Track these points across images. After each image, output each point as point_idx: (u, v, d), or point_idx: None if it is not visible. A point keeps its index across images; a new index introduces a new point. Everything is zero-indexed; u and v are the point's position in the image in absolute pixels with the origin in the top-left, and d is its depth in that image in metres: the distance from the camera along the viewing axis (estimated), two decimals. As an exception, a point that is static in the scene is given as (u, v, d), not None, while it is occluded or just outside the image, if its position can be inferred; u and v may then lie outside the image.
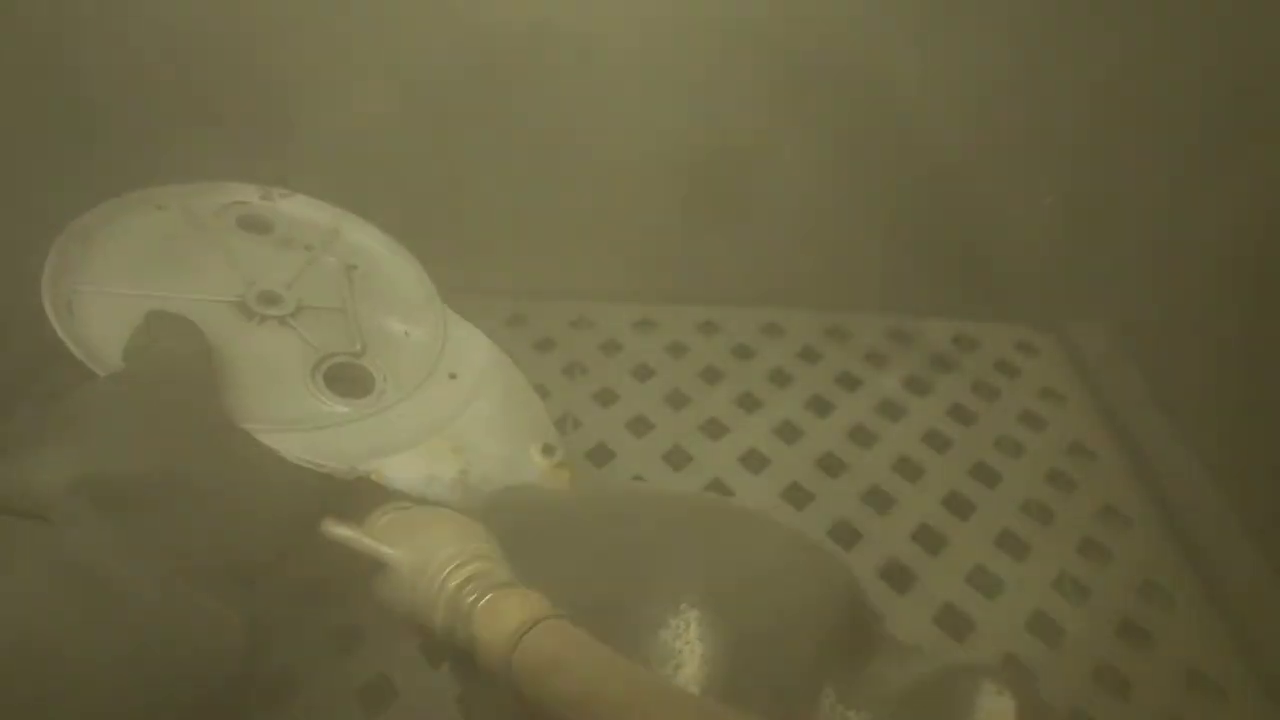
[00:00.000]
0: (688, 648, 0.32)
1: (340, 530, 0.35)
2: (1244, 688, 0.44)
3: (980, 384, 0.62)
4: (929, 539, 0.50)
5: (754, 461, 0.55)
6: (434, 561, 0.32)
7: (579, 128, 0.59)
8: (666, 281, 0.67)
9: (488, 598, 0.30)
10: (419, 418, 0.43)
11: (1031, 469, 0.55)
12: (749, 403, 0.59)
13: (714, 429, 0.57)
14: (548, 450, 0.45)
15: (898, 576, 0.48)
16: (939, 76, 0.55)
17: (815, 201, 0.62)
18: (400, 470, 0.40)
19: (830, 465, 0.55)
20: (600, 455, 0.54)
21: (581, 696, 0.26)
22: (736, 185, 0.61)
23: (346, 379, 0.44)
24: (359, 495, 0.39)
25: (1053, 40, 0.54)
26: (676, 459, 0.54)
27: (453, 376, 0.47)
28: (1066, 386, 0.62)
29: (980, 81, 0.55)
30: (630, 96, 0.57)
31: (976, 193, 0.61)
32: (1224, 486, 0.52)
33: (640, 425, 0.56)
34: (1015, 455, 0.56)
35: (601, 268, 0.66)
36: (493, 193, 0.62)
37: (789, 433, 0.57)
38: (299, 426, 0.39)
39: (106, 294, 0.42)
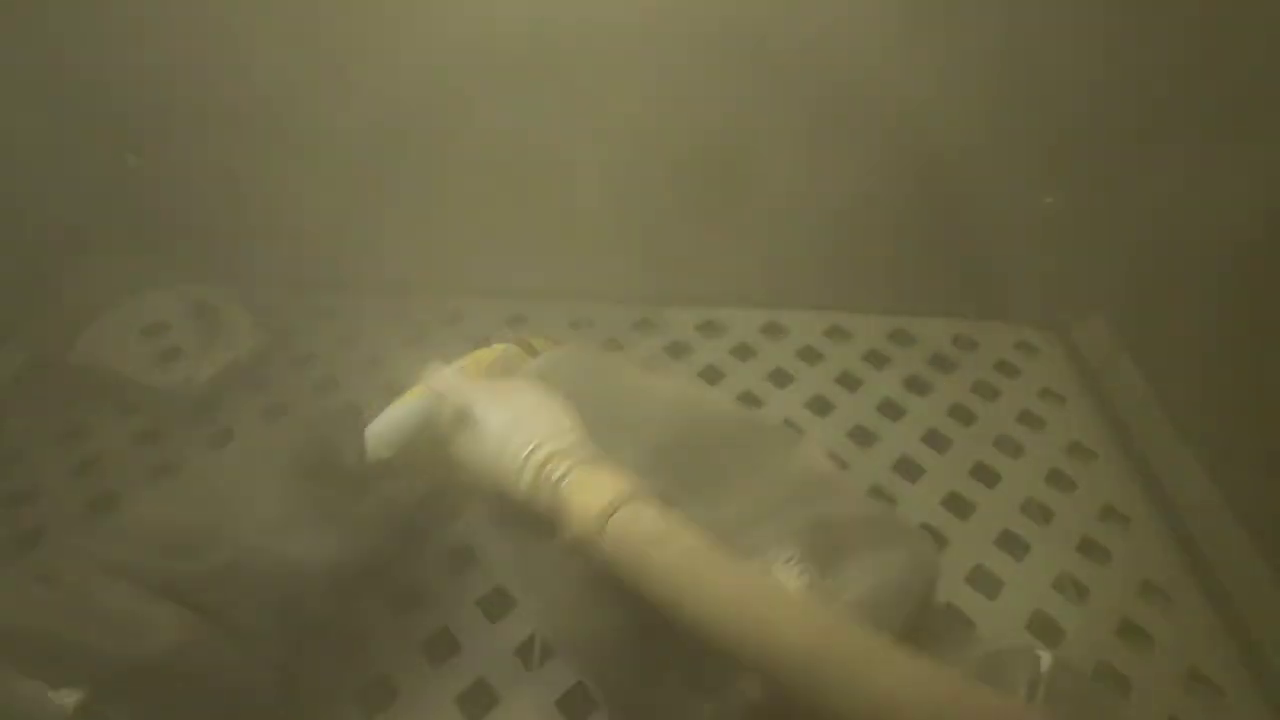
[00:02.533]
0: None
1: (446, 372, 0.36)
2: (1244, 688, 0.44)
3: (980, 384, 0.62)
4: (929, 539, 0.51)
5: (754, 461, 0.55)
6: (525, 429, 0.32)
7: (579, 127, 0.59)
8: (666, 281, 0.67)
9: (577, 471, 0.30)
10: None
11: (1031, 469, 0.55)
12: (749, 402, 0.59)
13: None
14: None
15: (898, 576, 0.48)
16: (939, 76, 0.55)
17: (815, 201, 0.62)
18: None
19: (830, 465, 0.55)
20: (600, 455, 0.54)
21: (671, 576, 0.26)
22: (737, 185, 0.61)
23: None
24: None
25: (1053, 40, 0.54)
26: (676, 459, 0.54)
27: None
28: (1066, 386, 0.62)
29: (980, 81, 0.55)
30: (630, 96, 0.57)
31: (976, 192, 0.61)
32: (1224, 486, 0.52)
33: (640, 425, 0.56)
34: (1015, 455, 0.56)
35: (601, 268, 0.66)
36: (493, 193, 0.62)
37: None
38: None
39: None
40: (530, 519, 0.32)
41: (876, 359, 0.64)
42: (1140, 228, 0.60)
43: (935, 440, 0.57)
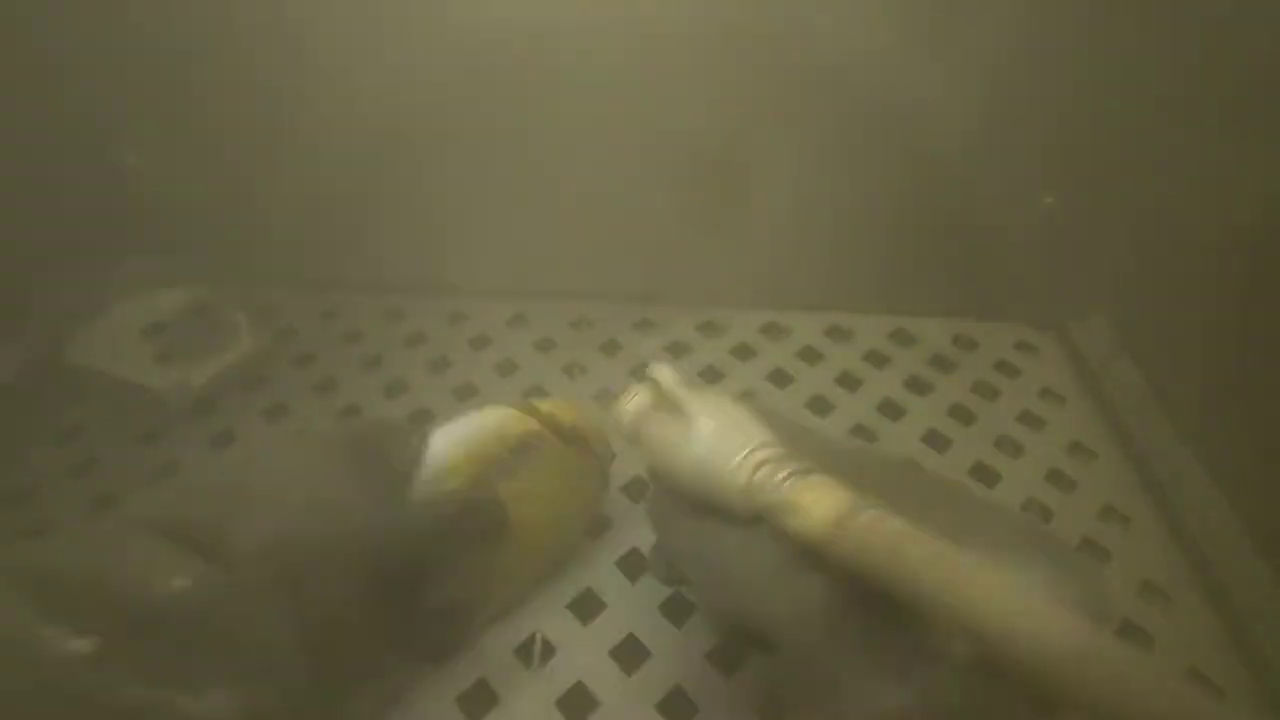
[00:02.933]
0: None
1: (667, 373, 0.38)
2: (1244, 688, 0.44)
3: (980, 384, 0.62)
4: (929, 539, 0.51)
5: (754, 461, 0.55)
6: (740, 433, 0.35)
7: (579, 128, 0.59)
8: (666, 281, 0.67)
9: (799, 477, 0.32)
10: None
11: (1031, 469, 0.55)
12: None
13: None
14: None
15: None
16: (939, 76, 0.55)
17: (815, 202, 0.62)
18: None
19: (830, 465, 0.55)
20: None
21: (926, 573, 0.27)
22: (737, 185, 0.61)
23: None
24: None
25: (1053, 39, 0.54)
26: (676, 459, 0.54)
27: None
28: (1066, 386, 0.62)
29: (980, 81, 0.55)
30: (630, 96, 0.57)
31: (976, 192, 0.61)
32: (1224, 486, 0.52)
33: (640, 425, 0.56)
34: (1015, 455, 0.56)
35: (601, 268, 0.66)
36: (493, 193, 0.62)
37: (789, 433, 0.57)
38: None
39: None
40: (727, 512, 0.34)
41: (876, 359, 0.64)
42: (1140, 228, 0.60)
43: (935, 440, 0.57)
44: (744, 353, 0.64)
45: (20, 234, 0.58)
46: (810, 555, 0.31)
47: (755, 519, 0.34)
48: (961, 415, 0.59)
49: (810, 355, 0.64)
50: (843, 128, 0.58)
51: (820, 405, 0.59)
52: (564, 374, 0.61)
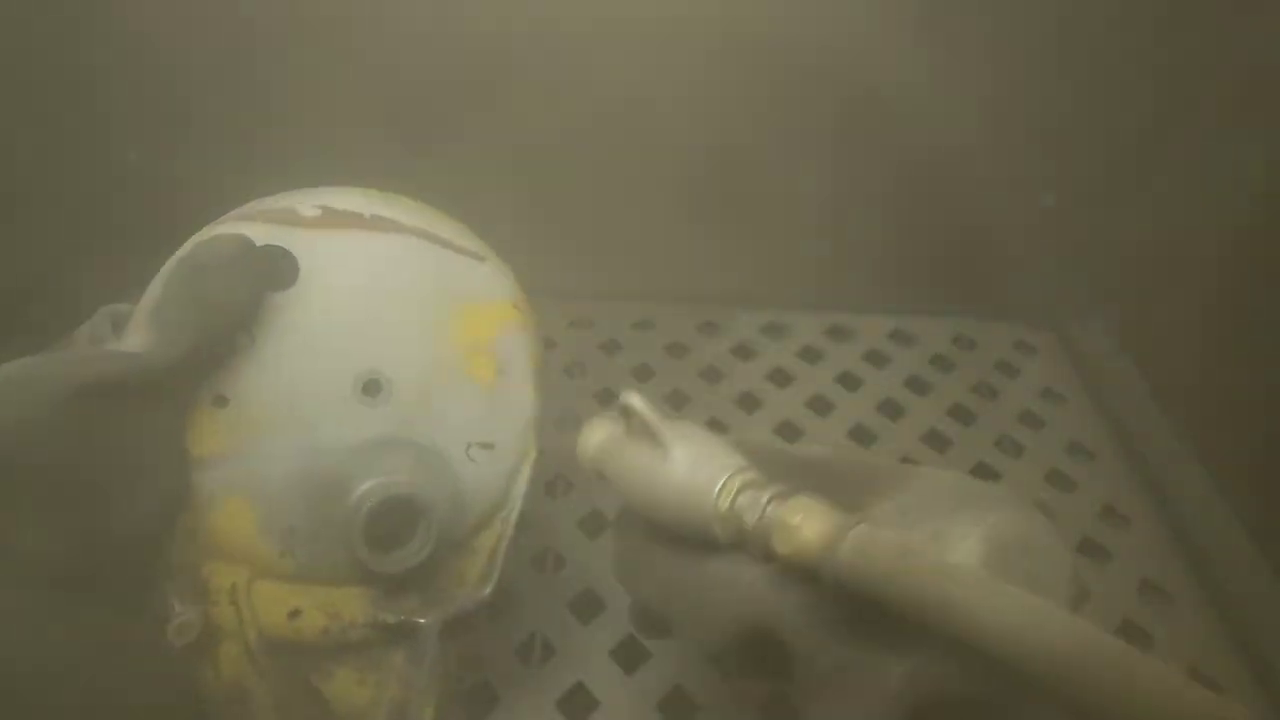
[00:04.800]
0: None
1: (639, 400, 0.35)
2: (1244, 688, 0.44)
3: (980, 384, 0.62)
4: (929, 539, 0.50)
5: (754, 461, 0.55)
6: (716, 459, 0.33)
7: (579, 127, 0.59)
8: (666, 281, 0.67)
9: (782, 499, 0.31)
10: None
11: (1031, 469, 0.55)
12: (749, 403, 0.59)
13: (714, 429, 0.56)
14: None
15: (898, 576, 0.48)
16: (938, 76, 0.55)
17: (815, 201, 0.62)
18: None
19: (830, 465, 0.55)
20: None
21: (926, 586, 0.27)
22: (737, 185, 0.61)
23: None
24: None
25: (1052, 39, 0.54)
26: (676, 459, 0.54)
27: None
28: (1066, 386, 0.62)
29: (980, 81, 0.55)
30: (630, 96, 0.57)
31: (976, 192, 0.61)
32: (1223, 486, 0.52)
33: (640, 425, 0.56)
34: (1015, 455, 0.56)
35: (601, 268, 0.66)
36: (491, 193, 0.62)
37: (789, 433, 0.57)
38: None
39: None
40: (707, 540, 0.33)
41: (876, 359, 0.64)
42: (1140, 228, 0.60)
43: (935, 440, 0.57)
44: (744, 353, 0.64)
45: (20, 233, 0.58)
46: (802, 576, 0.30)
47: (737, 545, 0.33)
48: (961, 415, 0.59)
49: (810, 355, 0.64)
50: (843, 127, 0.58)
51: (820, 405, 0.59)
52: (564, 374, 0.61)
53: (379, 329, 0.33)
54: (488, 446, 0.35)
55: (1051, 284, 0.65)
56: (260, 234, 0.33)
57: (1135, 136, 0.56)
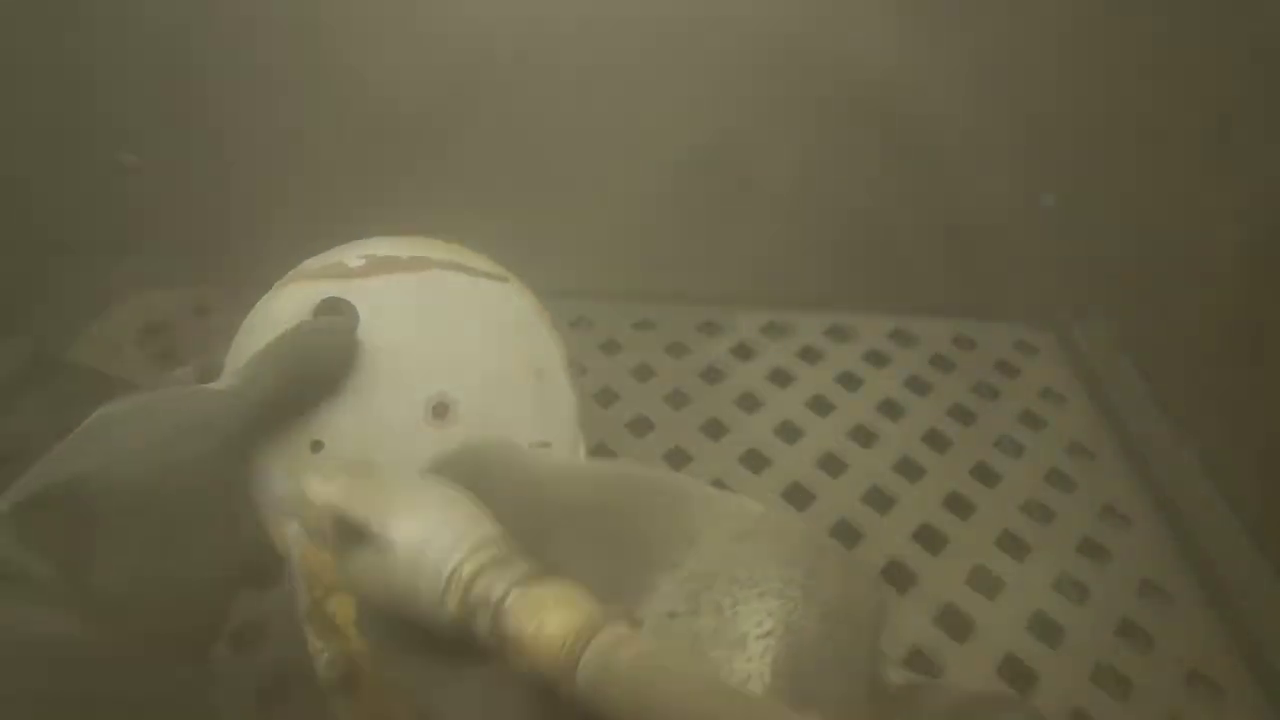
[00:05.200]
0: (756, 672, 0.27)
1: (327, 488, 0.29)
2: (1244, 688, 0.44)
3: (980, 384, 0.62)
4: (929, 539, 0.51)
5: (754, 461, 0.55)
6: (441, 539, 0.27)
7: (579, 126, 0.59)
8: (666, 281, 0.67)
9: (519, 590, 0.25)
10: None
11: (1031, 469, 0.55)
12: (749, 403, 0.59)
13: (714, 429, 0.57)
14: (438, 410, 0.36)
15: (898, 576, 0.48)
16: (938, 75, 0.55)
17: (815, 201, 0.62)
18: None
19: (830, 465, 0.55)
20: (601, 455, 0.54)
21: (673, 713, 0.22)
22: (737, 185, 0.61)
23: None
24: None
25: (1052, 39, 0.54)
26: (676, 459, 0.54)
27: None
28: (1066, 386, 0.62)
29: (980, 80, 0.55)
30: (630, 96, 0.57)
31: (977, 192, 0.61)
32: (1224, 486, 0.52)
33: (640, 425, 0.56)
34: (1015, 455, 0.56)
35: (601, 268, 0.66)
36: (492, 192, 0.62)
37: (789, 433, 0.57)
38: None
39: None
40: (455, 645, 0.27)
41: (876, 359, 0.64)
42: (1140, 227, 0.60)
43: (935, 440, 0.57)
44: (744, 353, 0.64)
45: (20, 233, 0.58)
46: (545, 696, 0.24)
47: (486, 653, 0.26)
48: (961, 415, 0.59)
49: (810, 355, 0.64)
50: (843, 127, 0.58)
51: (820, 405, 0.59)
52: (564, 374, 0.60)
53: (437, 355, 0.36)
54: (545, 444, 0.38)
55: (1051, 284, 0.65)
56: (321, 289, 0.36)
57: (1135, 136, 0.56)
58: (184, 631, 0.29)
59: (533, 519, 0.30)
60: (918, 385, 0.61)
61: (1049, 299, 0.66)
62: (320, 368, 0.33)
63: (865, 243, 0.64)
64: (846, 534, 0.50)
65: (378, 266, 0.37)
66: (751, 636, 0.27)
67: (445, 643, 0.27)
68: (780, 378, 0.61)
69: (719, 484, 0.53)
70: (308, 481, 0.29)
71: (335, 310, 0.35)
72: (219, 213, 0.63)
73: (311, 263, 0.38)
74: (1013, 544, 0.51)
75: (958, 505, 0.53)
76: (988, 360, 0.64)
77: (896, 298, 0.67)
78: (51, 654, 0.25)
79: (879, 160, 0.59)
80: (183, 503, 0.29)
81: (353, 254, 0.37)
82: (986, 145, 0.58)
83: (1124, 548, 0.51)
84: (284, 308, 0.35)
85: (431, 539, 0.27)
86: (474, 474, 0.32)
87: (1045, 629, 0.46)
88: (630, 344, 0.63)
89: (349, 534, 0.28)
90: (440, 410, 0.35)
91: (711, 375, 0.61)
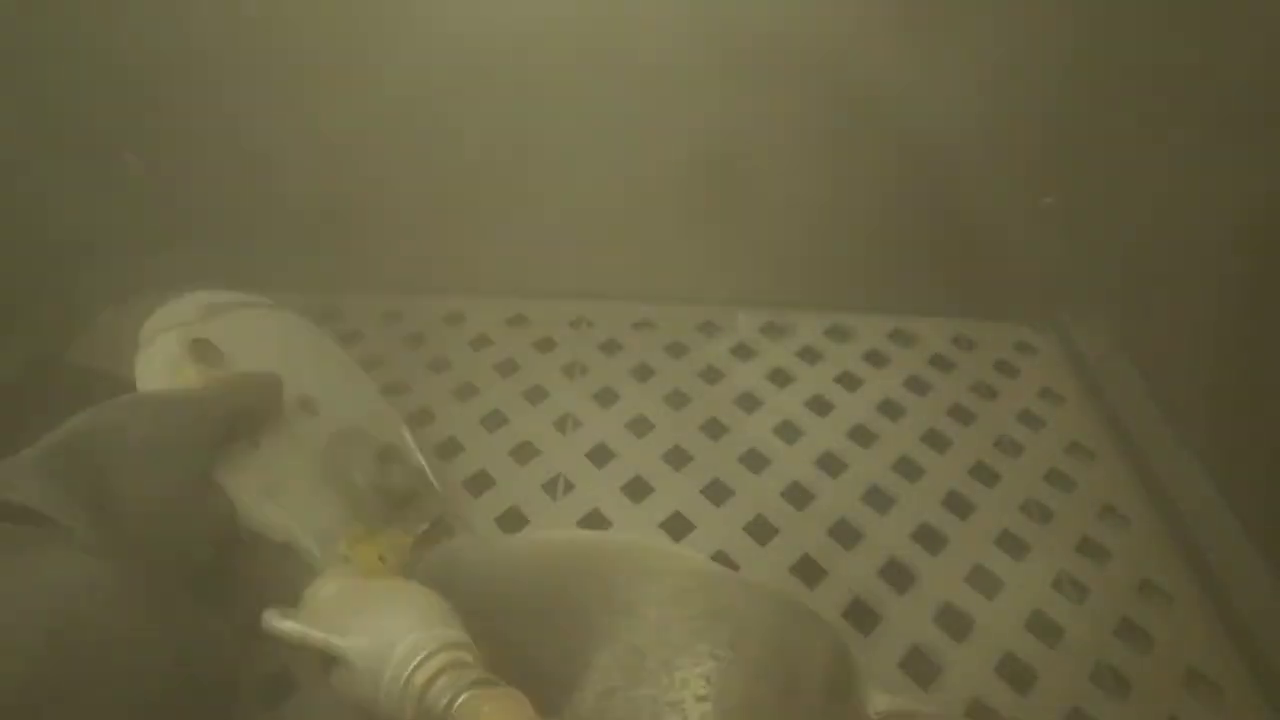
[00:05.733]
0: None
1: (285, 624, 0.32)
2: (1244, 688, 0.44)
3: (980, 384, 0.62)
4: (929, 539, 0.51)
5: (754, 461, 0.55)
6: (396, 651, 0.29)
7: (579, 127, 0.59)
8: (666, 281, 0.67)
9: (468, 696, 0.27)
10: None
11: (1031, 469, 0.55)
12: (749, 403, 0.59)
13: (714, 429, 0.57)
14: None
15: (898, 576, 0.48)
16: (938, 75, 0.55)
17: (815, 201, 0.62)
18: None
19: (830, 465, 0.55)
20: (600, 455, 0.54)
21: None
22: (737, 185, 0.61)
23: None
24: None
25: (1052, 38, 0.54)
26: (676, 459, 0.54)
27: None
28: (1066, 386, 0.62)
29: (980, 80, 0.55)
30: (630, 96, 0.57)
31: (976, 192, 0.61)
32: (1224, 486, 0.52)
33: (640, 425, 0.56)
34: (1015, 455, 0.56)
35: (601, 268, 0.66)
36: (493, 192, 0.62)
37: (789, 433, 0.57)
38: None
39: None
40: None
41: (876, 359, 0.64)
42: (1139, 227, 0.60)
43: (935, 440, 0.57)
44: (744, 353, 0.64)
45: (22, 233, 0.59)
46: None
47: None
48: (961, 415, 0.59)
49: (810, 355, 0.64)
50: (843, 127, 0.58)
51: (820, 405, 0.59)
52: (564, 374, 0.61)
53: (294, 364, 0.44)
54: (375, 401, 0.50)
55: (1051, 284, 0.65)
56: (187, 333, 0.42)
57: (1135, 136, 0.56)
58: (194, 575, 0.33)
59: (490, 600, 0.34)
60: (917, 385, 0.62)
61: (1049, 299, 0.66)
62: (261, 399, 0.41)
63: (865, 243, 0.64)
64: (846, 534, 0.50)
65: (225, 308, 0.46)
66: (689, 700, 0.29)
67: None
68: (780, 378, 0.61)
69: (718, 484, 0.53)
70: (271, 624, 0.32)
71: (206, 348, 0.42)
72: (218, 213, 0.63)
73: (162, 317, 0.44)
74: (1012, 544, 0.51)
75: (957, 505, 0.53)
76: (987, 360, 0.64)
77: (896, 298, 0.67)
78: (86, 596, 0.27)
79: (879, 160, 0.59)
80: (180, 461, 0.34)
81: (190, 306, 0.45)
82: (986, 145, 0.58)
83: (1123, 547, 0.51)
84: (166, 352, 0.42)
85: (385, 653, 0.29)
86: (449, 566, 0.37)
87: (1044, 628, 0.46)
88: (630, 344, 0.64)
89: (320, 661, 0.31)
90: (307, 404, 0.44)
91: (711, 375, 0.61)
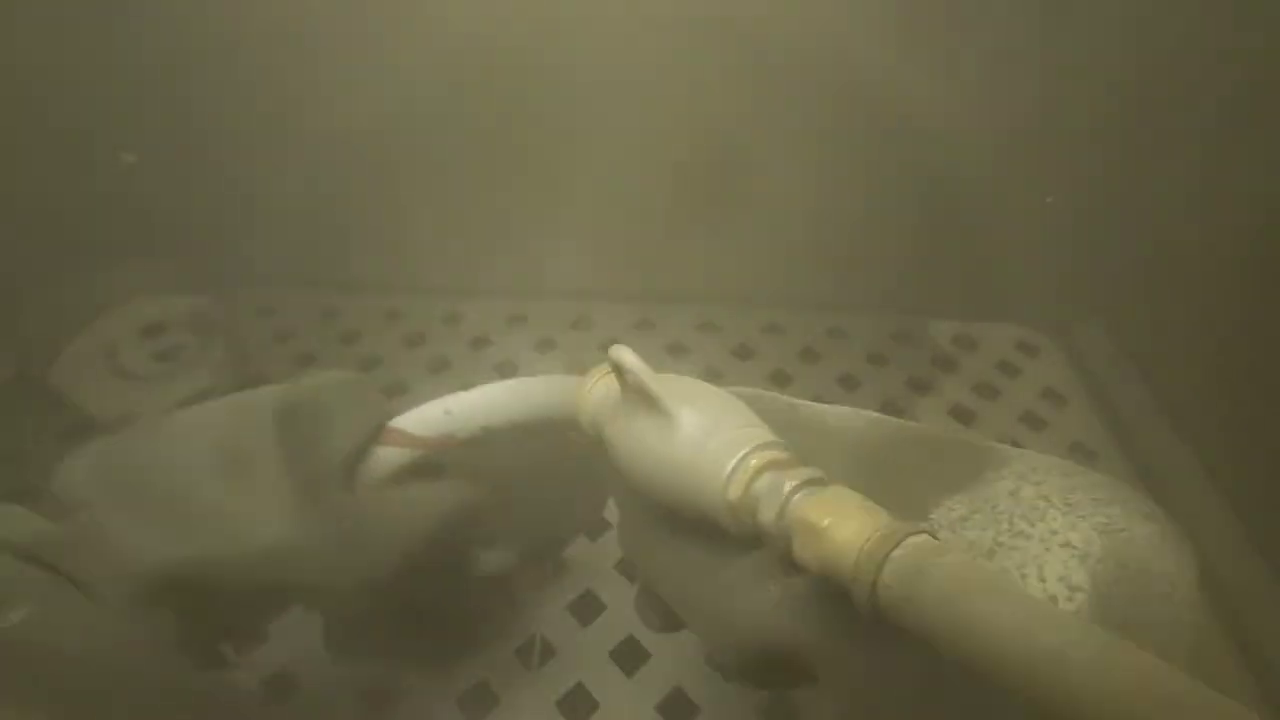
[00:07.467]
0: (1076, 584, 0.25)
1: (631, 357, 0.29)
2: (1244, 688, 0.44)
3: (981, 384, 0.62)
4: (929, 539, 0.50)
5: (754, 462, 0.54)
6: (729, 434, 0.27)
7: (579, 127, 0.59)
8: (666, 281, 0.67)
9: (812, 489, 0.25)
10: None
11: (1032, 469, 0.55)
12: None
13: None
14: None
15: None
16: (938, 75, 0.55)
17: (815, 201, 0.61)
18: None
19: (830, 465, 0.55)
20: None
21: (996, 633, 0.20)
22: (737, 185, 0.61)
23: None
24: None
25: (1053, 38, 0.54)
26: (677, 459, 0.54)
27: None
28: (1067, 387, 0.62)
29: (980, 81, 0.55)
30: (630, 96, 0.57)
31: (977, 193, 0.61)
32: (1224, 487, 0.52)
33: (640, 425, 0.56)
34: (1015, 456, 0.56)
35: (601, 268, 0.66)
36: (492, 192, 0.62)
37: (789, 433, 0.57)
38: None
39: None
40: (717, 533, 0.27)
41: (876, 359, 0.63)
42: (1141, 229, 0.60)
43: (935, 440, 0.57)
44: (744, 353, 0.63)
45: (17, 236, 0.58)
46: (833, 593, 0.24)
47: (753, 542, 0.26)
48: (962, 416, 0.59)
49: (810, 355, 0.64)
50: (844, 127, 0.58)
51: (820, 405, 0.59)
52: (564, 374, 0.60)
53: None
54: None
55: (1052, 284, 0.65)
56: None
57: (1135, 136, 0.56)
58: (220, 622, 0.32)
59: (811, 445, 0.29)
60: (918, 385, 0.61)
61: (1049, 299, 0.66)
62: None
63: (865, 243, 0.64)
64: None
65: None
66: (1056, 546, 0.26)
67: (701, 530, 0.27)
68: (780, 378, 0.61)
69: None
70: (622, 350, 0.30)
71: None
72: (218, 213, 0.63)
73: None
74: (1013, 544, 0.51)
75: (958, 505, 0.53)
76: (988, 361, 0.64)
77: (896, 298, 0.67)
78: (105, 652, 0.27)
79: (879, 160, 0.59)
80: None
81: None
82: (987, 146, 0.58)
83: (1124, 548, 0.51)
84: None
85: (720, 429, 0.27)
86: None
87: (1045, 629, 0.46)
88: (630, 344, 0.63)
89: (637, 402, 0.29)
90: None
91: (711, 375, 0.61)
